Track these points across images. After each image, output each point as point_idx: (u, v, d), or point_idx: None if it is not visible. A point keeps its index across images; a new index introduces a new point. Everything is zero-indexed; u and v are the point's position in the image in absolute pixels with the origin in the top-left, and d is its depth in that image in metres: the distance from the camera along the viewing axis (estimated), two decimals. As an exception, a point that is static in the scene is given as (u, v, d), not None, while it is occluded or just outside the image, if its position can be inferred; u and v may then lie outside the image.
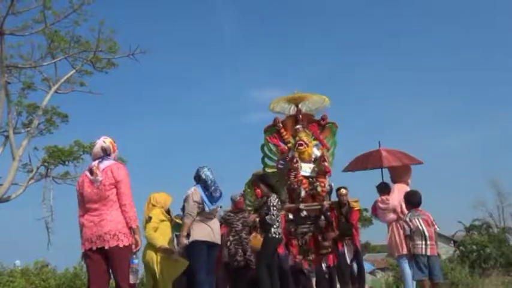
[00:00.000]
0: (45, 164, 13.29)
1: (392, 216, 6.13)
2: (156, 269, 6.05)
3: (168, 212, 6.39)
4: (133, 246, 4.02)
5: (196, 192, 5.74)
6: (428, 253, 5.22)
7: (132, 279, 3.93)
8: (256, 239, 6.04)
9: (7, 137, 12.44)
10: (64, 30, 13.14)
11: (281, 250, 8.06)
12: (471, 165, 61.55)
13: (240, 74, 71.78)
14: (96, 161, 4.13)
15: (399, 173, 6.50)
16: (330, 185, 9.57)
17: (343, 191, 9.36)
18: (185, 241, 5.66)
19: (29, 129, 13.11)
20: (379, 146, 6.93)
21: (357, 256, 8.75)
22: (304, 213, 9.40)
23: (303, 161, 9.55)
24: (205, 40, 69.90)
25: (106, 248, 3.91)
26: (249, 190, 14.64)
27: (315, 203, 9.26)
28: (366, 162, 6.89)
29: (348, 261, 8.84)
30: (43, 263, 10.88)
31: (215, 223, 5.88)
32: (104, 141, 4.20)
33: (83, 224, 4.06)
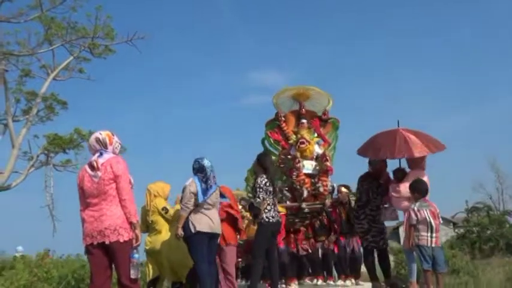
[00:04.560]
0: (46, 151, 13.25)
1: (406, 204, 5.77)
2: (163, 257, 6.17)
3: None
4: (133, 241, 4.00)
5: (192, 184, 5.68)
6: (433, 245, 5.26)
7: (133, 274, 3.93)
8: (250, 229, 5.80)
9: (6, 125, 12.37)
10: (60, 17, 12.93)
11: (281, 244, 8.06)
12: (470, 147, 61.46)
13: (241, 57, 71.24)
14: (96, 155, 4.06)
15: (417, 159, 6.04)
16: (332, 185, 9.57)
17: (343, 189, 9.38)
18: (181, 232, 5.64)
19: (28, 116, 13.02)
20: (398, 126, 6.30)
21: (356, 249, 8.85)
22: (306, 210, 9.43)
23: (305, 158, 9.52)
24: (205, 24, 69.23)
25: (107, 243, 3.90)
26: (250, 177, 14.79)
27: (317, 202, 9.27)
28: (389, 148, 6.01)
29: (347, 254, 8.98)
30: (46, 253, 10.97)
31: (214, 213, 5.80)
32: (100, 133, 4.13)
33: (83, 218, 4.03)
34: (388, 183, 6.45)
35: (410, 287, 5.90)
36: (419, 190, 5.55)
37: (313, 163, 9.62)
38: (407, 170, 6.25)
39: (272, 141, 10.39)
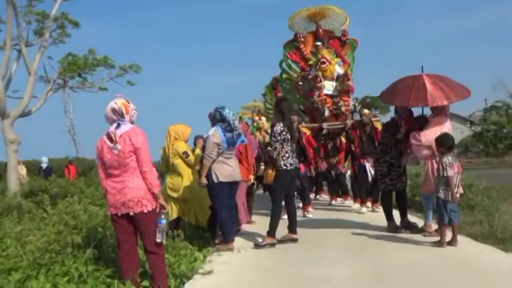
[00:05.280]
0: (62, 76, 13.23)
1: (426, 152, 5.74)
2: (185, 201, 6.40)
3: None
4: (158, 209, 4.07)
5: (216, 134, 5.78)
6: (455, 199, 5.33)
7: (158, 238, 4.06)
8: (269, 175, 5.95)
9: (20, 51, 12.24)
10: None
11: (301, 168, 8.21)
12: (493, 42, 59.31)
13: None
14: (113, 127, 4.01)
15: (437, 106, 5.83)
16: (354, 105, 9.49)
17: (366, 111, 9.31)
18: (205, 181, 5.85)
19: (41, 39, 12.80)
20: (422, 71, 6.05)
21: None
22: (326, 131, 9.46)
23: (326, 79, 9.40)
24: None
25: (131, 214, 4.00)
26: (269, 94, 14.83)
27: (338, 122, 9.27)
28: (406, 96, 5.86)
29: (369, 176, 9.10)
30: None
31: (234, 160, 6.01)
32: (115, 102, 4.03)
33: (106, 189, 4.13)
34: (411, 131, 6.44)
35: (426, 229, 6.12)
36: (446, 145, 5.46)
37: (334, 83, 9.53)
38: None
39: (290, 63, 10.25)
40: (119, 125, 4.00)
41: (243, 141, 6.17)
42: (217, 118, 5.92)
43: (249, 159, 7.48)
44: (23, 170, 16.95)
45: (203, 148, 6.08)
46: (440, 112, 5.93)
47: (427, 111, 6.28)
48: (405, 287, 4.03)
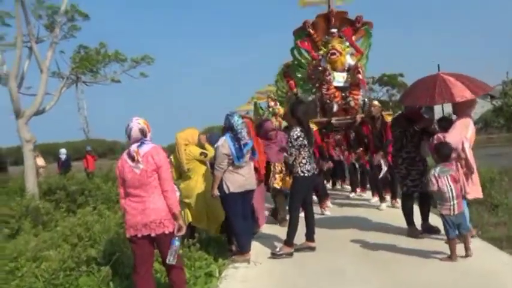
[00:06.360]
0: (74, 72, 13.13)
1: (452, 155, 5.55)
2: (197, 207, 6.27)
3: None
4: (176, 231, 4.04)
5: (225, 144, 5.61)
6: (456, 212, 5.01)
7: (169, 260, 4.03)
8: (286, 181, 5.80)
9: (31, 49, 12.13)
10: None
11: None
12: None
13: None
14: (135, 145, 4.02)
15: (464, 105, 5.60)
16: (364, 100, 9.21)
17: (375, 102, 9.02)
18: (216, 193, 5.73)
19: (52, 34, 12.66)
20: (438, 70, 5.83)
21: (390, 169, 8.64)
22: (336, 124, 9.24)
23: (336, 70, 9.10)
24: None
25: (152, 235, 3.98)
26: (281, 81, 14.63)
27: (347, 117, 9.00)
28: (429, 94, 5.58)
29: (382, 173, 8.84)
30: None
31: (247, 168, 5.81)
32: (138, 123, 4.05)
33: (125, 209, 4.08)
34: (423, 121, 6.24)
35: None
36: (440, 154, 5.22)
37: (345, 75, 9.23)
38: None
39: (302, 51, 9.96)
40: (141, 144, 4.03)
41: (253, 154, 5.96)
42: (226, 126, 5.75)
43: (260, 164, 6.95)
44: (41, 161, 17.12)
45: (214, 159, 5.92)
46: (463, 112, 5.68)
47: (446, 110, 6.04)
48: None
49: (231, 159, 5.62)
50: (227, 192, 5.66)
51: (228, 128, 5.73)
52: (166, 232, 3.98)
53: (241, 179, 5.70)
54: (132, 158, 3.98)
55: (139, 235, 3.98)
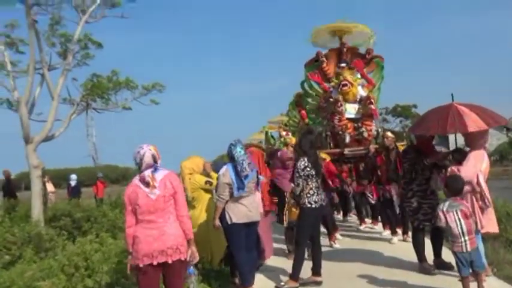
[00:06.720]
0: (85, 98, 13.17)
1: (466, 188, 5.21)
2: (196, 230, 6.04)
3: None
4: (189, 258, 3.95)
5: (226, 173, 5.40)
6: (469, 249, 4.71)
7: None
8: (292, 213, 5.56)
9: (43, 76, 12.21)
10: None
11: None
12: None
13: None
14: (149, 171, 3.92)
15: (476, 137, 5.41)
16: (377, 130, 9.06)
17: (388, 133, 8.82)
18: (218, 223, 5.51)
19: (64, 62, 12.78)
20: (452, 100, 5.70)
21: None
22: (349, 155, 9.08)
23: (347, 101, 9.03)
24: None
25: (169, 262, 3.83)
26: (293, 110, 14.57)
27: (361, 147, 8.84)
28: (441, 123, 5.44)
29: (396, 205, 8.56)
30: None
31: (250, 199, 5.54)
32: (149, 149, 4.01)
33: (137, 237, 3.90)
34: (434, 155, 6.06)
35: None
36: (450, 188, 4.97)
37: (356, 106, 9.18)
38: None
39: (312, 84, 9.91)
40: (155, 169, 3.96)
41: (258, 184, 5.74)
42: (229, 155, 5.57)
43: (263, 195, 6.60)
44: (51, 186, 17.07)
45: (216, 189, 5.71)
46: (476, 143, 5.47)
47: (459, 142, 5.82)
48: None
49: (232, 190, 5.42)
50: (229, 223, 5.42)
51: (231, 159, 5.56)
52: (182, 258, 3.89)
53: (244, 209, 5.47)
54: (147, 184, 3.89)
55: (154, 263, 3.81)
